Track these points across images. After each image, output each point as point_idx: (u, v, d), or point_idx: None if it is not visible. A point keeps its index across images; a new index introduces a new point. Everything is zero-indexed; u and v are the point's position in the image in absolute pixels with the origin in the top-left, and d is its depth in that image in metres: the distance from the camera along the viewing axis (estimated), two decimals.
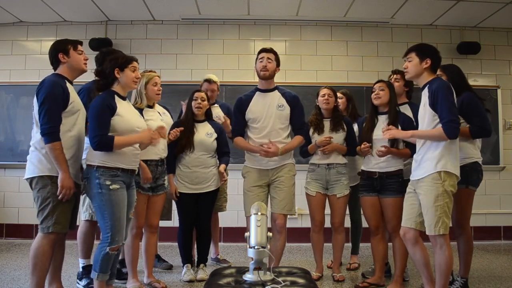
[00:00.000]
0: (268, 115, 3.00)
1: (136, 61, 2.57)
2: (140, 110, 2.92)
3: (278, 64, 3.06)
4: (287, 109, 3.03)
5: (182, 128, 3.09)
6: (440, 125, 2.39)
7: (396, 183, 2.86)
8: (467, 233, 2.87)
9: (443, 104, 2.36)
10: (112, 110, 2.39)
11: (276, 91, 3.07)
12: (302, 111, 3.10)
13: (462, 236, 2.86)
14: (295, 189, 3.10)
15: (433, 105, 2.41)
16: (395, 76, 3.24)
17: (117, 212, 2.37)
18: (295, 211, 3.11)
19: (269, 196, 3.07)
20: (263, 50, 3.04)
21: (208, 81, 3.67)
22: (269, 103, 3.02)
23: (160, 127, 2.74)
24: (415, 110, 3.02)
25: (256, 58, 3.06)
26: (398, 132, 2.67)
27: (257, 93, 3.08)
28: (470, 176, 2.79)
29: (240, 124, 3.10)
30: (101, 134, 2.33)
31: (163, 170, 3.03)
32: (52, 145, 2.29)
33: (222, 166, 3.21)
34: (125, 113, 2.47)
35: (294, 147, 3.08)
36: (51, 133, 2.30)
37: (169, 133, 3.07)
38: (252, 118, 3.03)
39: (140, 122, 2.59)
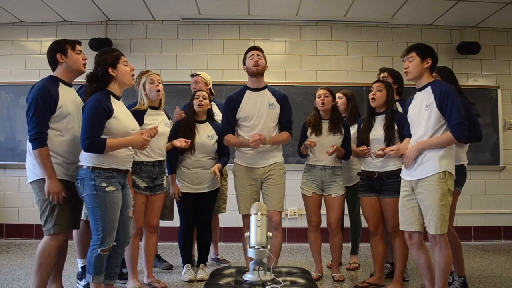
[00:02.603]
0: (260, 114, 3.00)
1: (123, 55, 2.53)
2: (143, 112, 2.92)
3: (266, 62, 3.08)
4: (277, 108, 3.05)
5: (189, 141, 3.08)
6: (444, 129, 2.40)
7: (395, 182, 2.85)
8: (452, 232, 2.88)
9: (454, 107, 2.37)
10: (109, 112, 2.35)
11: (266, 89, 3.08)
12: (290, 110, 3.13)
13: (449, 236, 2.86)
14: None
15: (441, 107, 2.40)
16: (382, 74, 3.29)
17: (111, 214, 2.35)
18: (283, 209, 3.12)
19: (261, 194, 3.07)
20: (252, 48, 3.05)
21: (192, 75, 3.74)
22: (260, 101, 3.02)
23: (154, 127, 2.67)
24: (405, 107, 3.04)
25: (244, 58, 3.07)
26: (410, 152, 2.52)
27: (248, 91, 3.07)
28: (458, 177, 2.81)
29: (230, 123, 3.09)
30: (93, 136, 2.28)
31: (160, 170, 3.01)
32: (37, 151, 2.29)
33: (217, 165, 3.16)
34: (121, 115, 2.44)
35: (282, 140, 3.06)
36: (36, 139, 2.29)
37: (171, 138, 3.09)
38: (244, 117, 3.03)
39: (134, 125, 2.55)
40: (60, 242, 2.39)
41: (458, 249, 2.88)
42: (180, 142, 3.05)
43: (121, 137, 2.39)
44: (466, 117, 2.63)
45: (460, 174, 2.85)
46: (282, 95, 3.09)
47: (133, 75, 2.54)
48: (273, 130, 3.04)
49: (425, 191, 2.44)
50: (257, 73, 3.01)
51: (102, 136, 2.33)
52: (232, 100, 3.08)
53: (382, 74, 3.31)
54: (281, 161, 3.09)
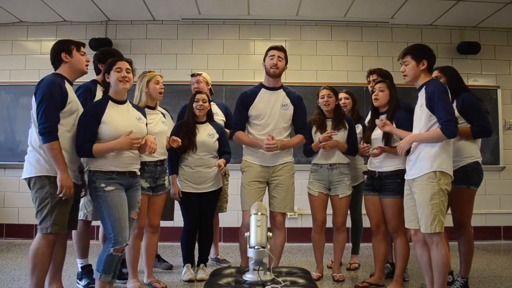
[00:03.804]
0: (272, 113, 3.00)
1: (125, 61, 2.53)
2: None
3: (286, 62, 3.07)
4: (290, 109, 3.04)
5: (179, 141, 3.04)
6: (436, 126, 2.40)
7: (394, 183, 2.85)
8: (468, 233, 2.87)
9: (440, 104, 2.38)
10: (98, 119, 2.41)
11: (281, 90, 3.08)
12: (304, 112, 3.12)
13: (463, 236, 2.86)
14: (295, 188, 3.11)
15: (430, 106, 2.43)
16: (372, 77, 3.24)
17: (115, 213, 2.38)
18: (294, 210, 3.11)
19: (267, 193, 3.06)
20: (274, 48, 3.03)
21: (192, 75, 3.72)
22: (274, 101, 3.02)
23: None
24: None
25: (265, 55, 3.05)
26: (402, 142, 2.56)
27: (263, 89, 3.07)
28: (471, 176, 2.81)
29: (242, 119, 3.08)
30: (81, 143, 2.40)
31: (162, 170, 3.03)
32: (50, 145, 2.27)
33: (221, 160, 3.16)
34: (113, 119, 2.43)
35: (293, 145, 3.08)
36: (48, 132, 2.28)
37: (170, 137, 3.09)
38: (256, 115, 3.03)
39: (133, 127, 2.49)
40: (54, 241, 2.35)
41: (470, 251, 2.88)
42: (175, 143, 3.02)
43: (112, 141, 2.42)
44: (479, 114, 2.66)
45: (475, 171, 2.82)
46: (297, 96, 3.08)
47: (121, 82, 2.49)
48: (285, 131, 3.04)
49: (417, 190, 2.46)
50: (274, 75, 3.01)
51: (97, 142, 2.40)
52: (246, 96, 3.07)
53: (371, 77, 3.25)
54: (290, 161, 3.08)
